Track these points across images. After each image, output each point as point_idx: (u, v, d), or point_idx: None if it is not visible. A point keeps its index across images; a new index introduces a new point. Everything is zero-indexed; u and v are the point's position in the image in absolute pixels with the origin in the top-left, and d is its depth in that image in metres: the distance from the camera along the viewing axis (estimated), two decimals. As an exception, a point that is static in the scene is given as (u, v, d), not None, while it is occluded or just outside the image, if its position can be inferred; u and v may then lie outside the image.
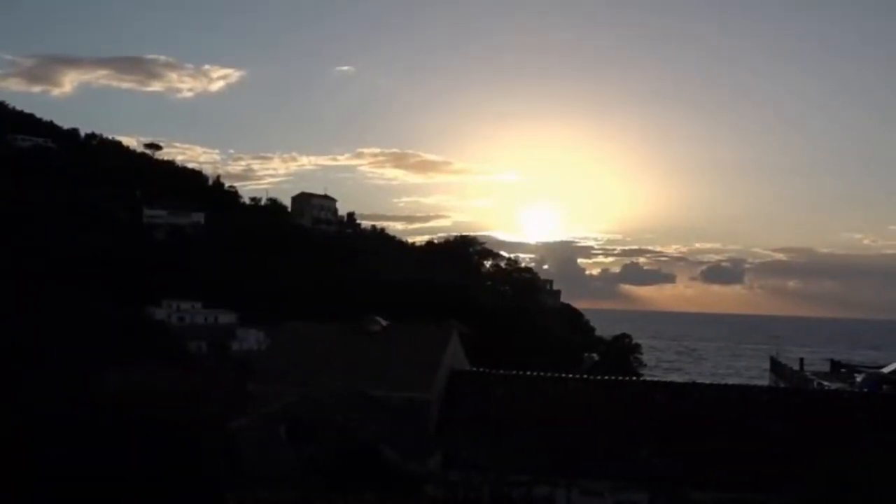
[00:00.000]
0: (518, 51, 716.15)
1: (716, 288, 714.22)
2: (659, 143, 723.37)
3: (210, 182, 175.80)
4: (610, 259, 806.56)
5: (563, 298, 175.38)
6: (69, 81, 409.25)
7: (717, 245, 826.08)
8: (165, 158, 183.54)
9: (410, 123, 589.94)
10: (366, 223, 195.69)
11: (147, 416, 23.04)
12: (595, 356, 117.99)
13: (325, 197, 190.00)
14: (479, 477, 28.71)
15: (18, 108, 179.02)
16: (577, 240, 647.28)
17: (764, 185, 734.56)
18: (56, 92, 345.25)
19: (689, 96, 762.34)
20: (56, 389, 27.07)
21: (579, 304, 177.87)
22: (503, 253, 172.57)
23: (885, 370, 46.18)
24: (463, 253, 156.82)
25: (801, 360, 57.01)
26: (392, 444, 27.11)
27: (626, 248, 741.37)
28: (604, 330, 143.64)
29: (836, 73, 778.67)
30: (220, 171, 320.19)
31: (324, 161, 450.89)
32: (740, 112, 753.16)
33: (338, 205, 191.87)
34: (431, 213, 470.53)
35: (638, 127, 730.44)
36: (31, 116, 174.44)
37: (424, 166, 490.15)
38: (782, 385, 51.93)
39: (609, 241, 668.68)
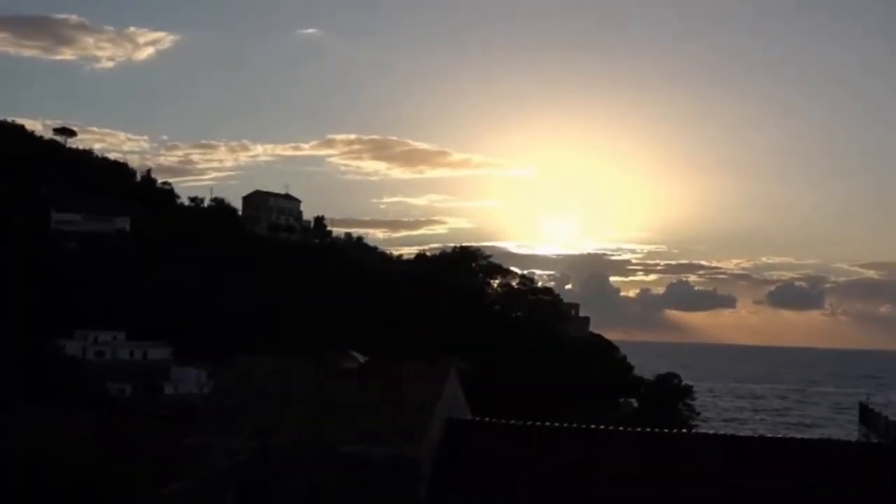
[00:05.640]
0: (534, 16, 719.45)
1: (788, 314, 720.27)
2: (714, 131, 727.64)
3: (138, 177, 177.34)
4: (651, 276, 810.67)
5: (593, 327, 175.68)
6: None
7: (790, 259, 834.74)
8: (80, 147, 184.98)
9: (395, 103, 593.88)
10: (338, 230, 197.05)
11: (57, 478, 23.13)
12: (634, 402, 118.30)
13: (286, 196, 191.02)
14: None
15: None
16: (608, 252, 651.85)
17: (848, 185, 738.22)
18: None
19: (747, 74, 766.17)
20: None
21: (613, 335, 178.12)
22: (515, 269, 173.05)
23: None
24: (463, 269, 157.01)
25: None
26: (371, 513, 27.21)
27: (672, 262, 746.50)
28: (645, 368, 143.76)
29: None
30: (151, 164, 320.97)
31: (283, 150, 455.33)
32: (815, 92, 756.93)
33: (302, 206, 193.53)
34: (422, 218, 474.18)
35: (685, 114, 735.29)
36: None
37: (413, 157, 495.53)
38: (875, 440, 52.10)
39: (650, 254, 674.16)
